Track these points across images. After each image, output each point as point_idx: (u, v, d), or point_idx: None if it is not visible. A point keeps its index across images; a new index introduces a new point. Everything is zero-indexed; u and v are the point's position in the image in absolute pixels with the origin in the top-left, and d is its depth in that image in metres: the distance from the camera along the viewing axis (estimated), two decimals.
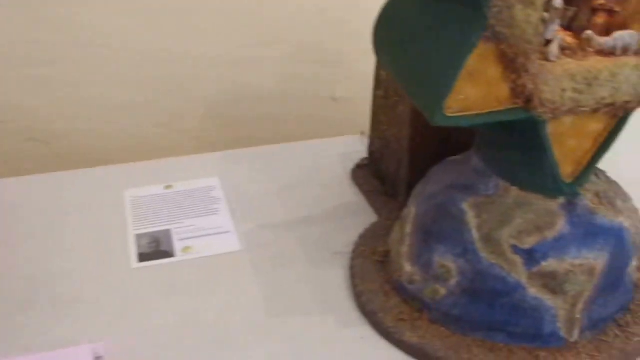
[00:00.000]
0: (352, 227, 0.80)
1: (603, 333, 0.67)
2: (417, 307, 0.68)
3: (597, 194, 0.66)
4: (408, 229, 0.70)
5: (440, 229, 0.66)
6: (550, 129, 0.61)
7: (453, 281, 0.66)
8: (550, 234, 0.63)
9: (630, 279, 0.68)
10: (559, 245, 0.63)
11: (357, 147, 0.95)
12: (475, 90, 0.56)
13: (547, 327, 0.64)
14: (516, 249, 0.63)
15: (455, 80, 0.55)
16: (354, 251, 0.76)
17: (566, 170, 0.64)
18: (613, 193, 0.67)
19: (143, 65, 0.95)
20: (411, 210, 0.70)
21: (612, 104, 0.60)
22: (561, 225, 0.64)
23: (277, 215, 0.83)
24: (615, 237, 0.65)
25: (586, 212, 0.65)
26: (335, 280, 0.73)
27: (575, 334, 0.65)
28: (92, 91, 0.96)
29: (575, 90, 0.58)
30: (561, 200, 0.64)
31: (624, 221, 0.66)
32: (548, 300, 0.64)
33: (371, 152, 0.89)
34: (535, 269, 0.63)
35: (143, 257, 0.75)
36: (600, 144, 0.63)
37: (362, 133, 0.96)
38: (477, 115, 0.57)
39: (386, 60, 0.66)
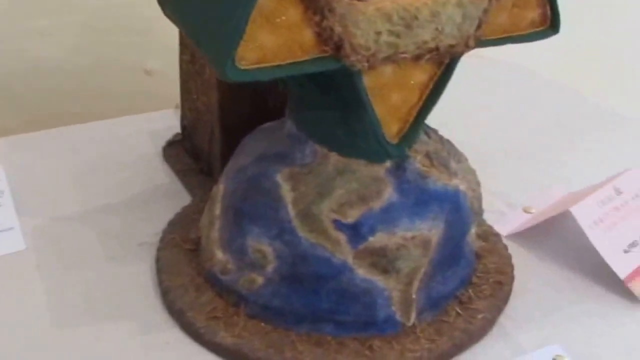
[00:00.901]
0: (162, 212, 0.69)
1: (444, 313, 0.59)
2: (233, 301, 0.58)
3: (427, 155, 0.58)
4: (217, 210, 0.59)
5: (252, 208, 0.56)
6: (368, 81, 0.52)
7: (270, 267, 0.56)
8: (376, 205, 0.55)
9: (470, 249, 0.61)
10: (388, 216, 0.55)
11: (171, 122, 0.83)
12: (274, 37, 0.47)
13: (380, 312, 0.56)
14: (338, 225, 0.54)
15: (246, 25, 0.45)
16: (161, 240, 0.65)
17: (391, 129, 0.55)
18: (446, 153, 0.59)
19: None
20: (220, 188, 0.60)
21: (435, 49, 0.51)
22: (389, 193, 0.55)
23: (73, 205, 0.71)
24: (451, 203, 0.57)
25: (417, 177, 0.56)
26: (139, 278, 0.62)
27: (413, 317, 0.57)
28: None
29: (391, 32, 0.49)
30: (388, 164, 0.56)
31: (459, 184, 0.58)
32: (379, 281, 0.55)
33: (183, 126, 0.78)
34: (362, 246, 0.54)
35: None
36: (426, 97, 0.55)
37: (177, 106, 0.84)
38: (278, 67, 0.47)
39: (171, 10, 0.55)
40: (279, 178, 0.56)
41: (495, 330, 0.59)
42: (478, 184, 0.61)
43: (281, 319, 0.56)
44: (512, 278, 0.63)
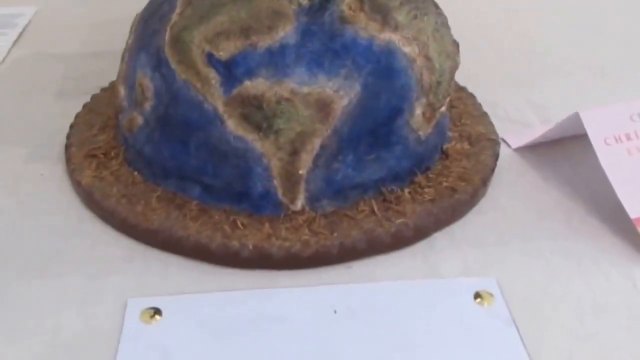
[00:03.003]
0: None
1: (353, 206, 0.45)
2: (120, 144, 0.50)
3: (361, 0, 0.44)
4: (130, 39, 0.50)
5: (145, 33, 0.47)
6: None
7: (148, 105, 0.46)
8: (263, 42, 0.43)
9: (415, 136, 0.46)
10: (277, 60, 0.42)
11: None
12: None
13: (256, 184, 0.44)
14: (211, 60, 0.43)
15: None
16: (113, 83, 0.58)
17: None
18: (399, 3, 0.45)
19: None
20: (136, 16, 0.51)
21: None
22: (286, 32, 0.43)
23: (71, 41, 0.67)
24: (375, 62, 0.43)
25: (334, 21, 0.43)
26: (69, 112, 0.55)
27: (300, 200, 0.44)
28: None
29: None
30: (303, 1, 0.43)
31: (398, 42, 0.44)
32: (255, 141, 0.43)
33: None
34: (235, 91, 0.43)
35: None
36: None
37: None
38: None
39: None
40: (179, 1, 0.46)
41: (419, 246, 0.45)
42: (446, 54, 0.46)
43: (150, 170, 0.47)
44: (475, 189, 0.47)
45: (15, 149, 0.52)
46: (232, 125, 0.43)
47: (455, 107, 0.54)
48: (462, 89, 0.57)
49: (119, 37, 0.67)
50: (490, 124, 0.53)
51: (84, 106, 0.55)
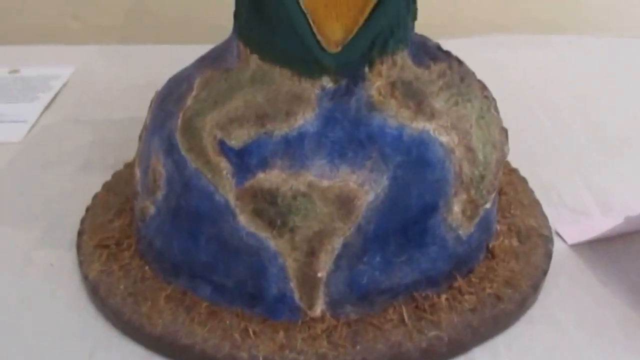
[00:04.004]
0: None
1: (381, 314, 0.40)
2: (135, 232, 0.46)
3: (393, 84, 0.39)
4: (148, 118, 0.47)
5: (159, 114, 0.44)
6: None
7: (160, 195, 0.42)
8: (280, 129, 0.38)
9: (453, 235, 0.41)
10: (294, 150, 0.38)
11: None
12: None
13: (271, 286, 0.39)
14: (223, 148, 0.39)
15: None
16: None
17: (332, 31, 0.39)
18: (437, 88, 0.40)
19: None
20: (156, 93, 0.47)
21: None
22: (305, 119, 0.39)
23: (124, 108, 0.64)
24: (406, 154, 0.38)
25: (361, 107, 0.39)
26: (89, 192, 0.52)
27: (319, 305, 0.39)
28: None
29: None
30: (329, 83, 0.39)
31: (435, 132, 0.39)
32: (269, 239, 0.39)
33: None
34: (247, 184, 0.38)
35: None
36: None
37: None
38: None
39: None
40: (196, 82, 0.42)
41: None
42: (492, 145, 0.41)
43: (160, 264, 0.43)
44: (523, 297, 0.41)
45: (28, 232, 0.49)
46: (245, 221, 0.39)
47: (505, 194, 0.49)
48: (513, 171, 0.52)
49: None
50: (543, 215, 0.48)
51: (104, 185, 0.52)
